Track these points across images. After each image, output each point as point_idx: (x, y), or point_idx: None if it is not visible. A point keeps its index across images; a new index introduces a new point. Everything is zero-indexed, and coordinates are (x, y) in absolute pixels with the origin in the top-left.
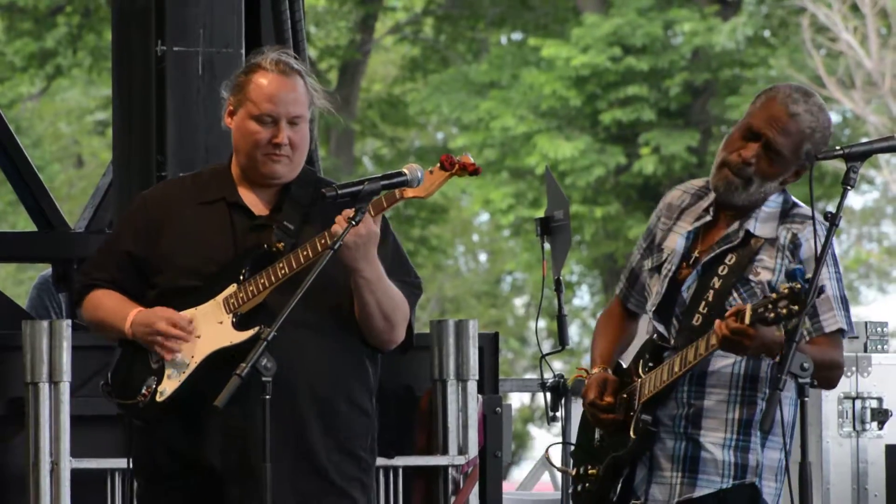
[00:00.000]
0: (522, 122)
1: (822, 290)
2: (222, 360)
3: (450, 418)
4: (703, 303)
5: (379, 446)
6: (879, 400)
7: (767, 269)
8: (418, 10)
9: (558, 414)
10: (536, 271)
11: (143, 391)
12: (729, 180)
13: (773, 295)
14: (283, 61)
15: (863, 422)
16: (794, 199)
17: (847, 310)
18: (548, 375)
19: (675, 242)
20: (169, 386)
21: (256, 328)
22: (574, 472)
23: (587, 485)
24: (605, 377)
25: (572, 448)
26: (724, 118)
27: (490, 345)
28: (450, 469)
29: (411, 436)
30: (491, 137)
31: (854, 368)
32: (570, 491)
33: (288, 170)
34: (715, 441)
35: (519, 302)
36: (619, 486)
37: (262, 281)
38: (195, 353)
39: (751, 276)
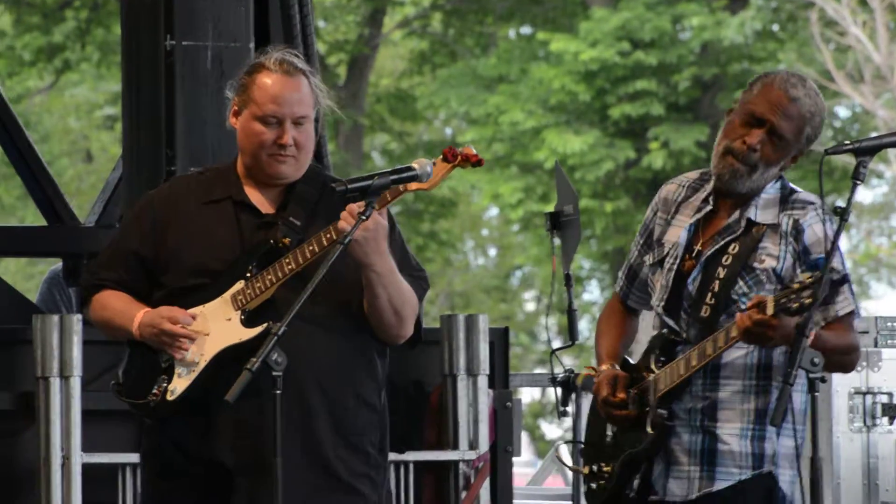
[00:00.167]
0: (531, 116)
1: (845, 279)
2: (231, 357)
3: (460, 413)
4: (710, 294)
5: (389, 441)
6: (890, 395)
7: (772, 257)
8: (427, 4)
9: (569, 409)
10: (546, 266)
11: (155, 390)
12: (735, 168)
13: (796, 285)
14: (287, 61)
15: (873, 417)
16: (791, 184)
17: (853, 292)
18: (558, 370)
19: (676, 236)
20: (180, 384)
21: (265, 325)
22: (587, 470)
23: (602, 482)
24: (616, 373)
25: (582, 446)
26: None
27: (500, 340)
28: (460, 464)
29: (422, 431)
30: (500, 132)
31: (864, 363)
32: (583, 489)
33: (293, 170)
34: (731, 432)
35: (528, 296)
36: (637, 481)
37: (270, 277)
38: (204, 351)
39: (755, 264)
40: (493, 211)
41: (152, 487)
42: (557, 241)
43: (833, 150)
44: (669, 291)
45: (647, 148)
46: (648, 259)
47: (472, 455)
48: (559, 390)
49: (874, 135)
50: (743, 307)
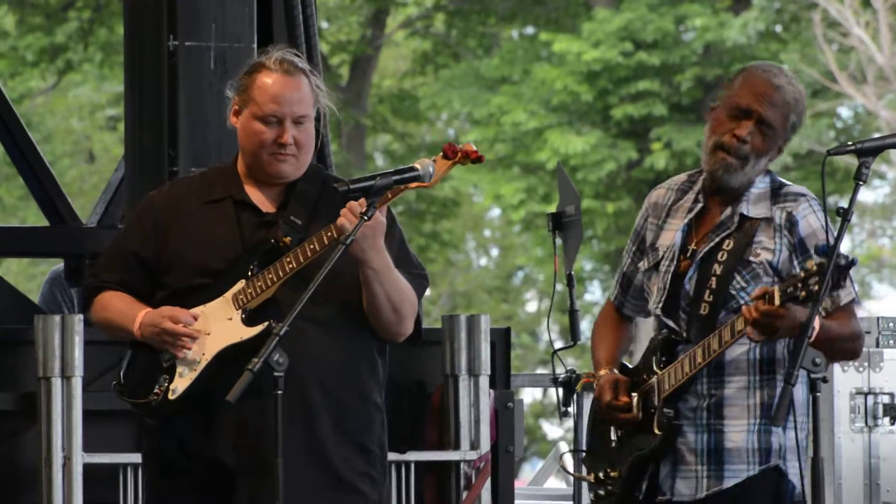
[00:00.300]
0: (534, 117)
1: (853, 262)
2: (232, 357)
3: (462, 413)
4: (707, 291)
5: (391, 441)
6: (891, 395)
7: (767, 250)
8: (429, 5)
9: (570, 409)
10: (548, 266)
11: (156, 390)
12: (727, 162)
13: (802, 273)
14: (287, 60)
15: (875, 417)
16: (780, 178)
17: (853, 280)
18: (559, 371)
19: (670, 239)
20: (181, 384)
21: (266, 323)
22: (593, 478)
23: (609, 488)
24: (616, 378)
25: (583, 454)
26: None
27: (502, 340)
28: (462, 464)
29: (423, 431)
30: (502, 132)
31: (866, 364)
32: (590, 497)
33: (294, 169)
34: (738, 429)
35: (530, 297)
36: (645, 483)
37: (270, 276)
38: (206, 350)
39: (751, 258)
40: (495, 211)
41: (153, 487)
42: (559, 241)
43: (835, 150)
44: (667, 293)
45: (650, 149)
46: (643, 265)
47: (473, 455)
48: (561, 391)
49: (876, 135)
50: (742, 302)
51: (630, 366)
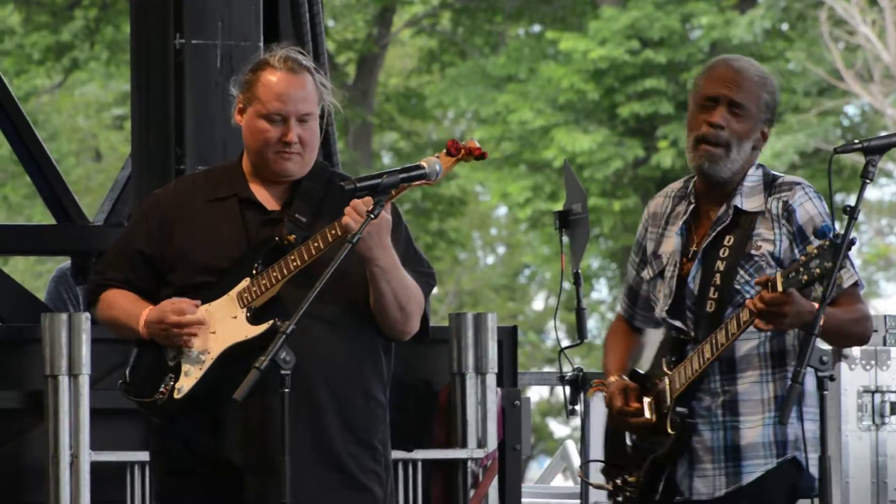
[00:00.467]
0: (540, 115)
1: (853, 242)
2: (238, 355)
3: (469, 412)
4: (712, 288)
5: (398, 440)
6: None
7: (767, 241)
8: (436, 3)
9: (577, 407)
10: (555, 264)
11: (162, 389)
12: (711, 153)
13: (803, 258)
14: (291, 58)
15: (882, 415)
16: (772, 171)
17: (853, 263)
18: (566, 369)
19: (672, 246)
20: (186, 383)
21: (271, 322)
22: (611, 485)
23: (628, 493)
24: (625, 384)
25: (602, 465)
26: None
27: (509, 338)
28: (469, 462)
29: (430, 429)
30: (509, 131)
31: (873, 362)
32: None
33: (299, 167)
34: (753, 424)
35: (537, 295)
36: (662, 484)
37: (275, 274)
38: (211, 348)
39: (752, 251)
40: (502, 209)
41: (161, 486)
42: (566, 239)
43: (842, 148)
44: (674, 296)
45: (656, 146)
46: (646, 274)
47: (480, 453)
48: (568, 389)
49: (883, 133)
50: (748, 296)
51: (641, 371)
